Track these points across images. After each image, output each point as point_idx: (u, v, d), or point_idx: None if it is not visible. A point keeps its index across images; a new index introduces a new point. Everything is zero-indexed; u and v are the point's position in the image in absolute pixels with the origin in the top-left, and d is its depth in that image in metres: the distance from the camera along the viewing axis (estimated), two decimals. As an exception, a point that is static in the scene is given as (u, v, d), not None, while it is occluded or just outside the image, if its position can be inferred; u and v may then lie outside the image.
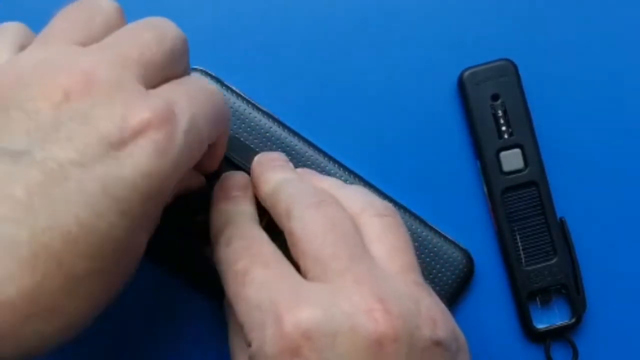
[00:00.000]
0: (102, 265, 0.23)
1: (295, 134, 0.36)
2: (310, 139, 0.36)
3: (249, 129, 0.35)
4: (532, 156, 0.36)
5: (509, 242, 0.36)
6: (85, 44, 0.25)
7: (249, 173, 0.32)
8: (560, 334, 0.36)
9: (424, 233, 0.35)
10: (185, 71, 0.28)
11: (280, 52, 0.37)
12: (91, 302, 0.23)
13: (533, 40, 0.37)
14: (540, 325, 0.36)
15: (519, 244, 0.36)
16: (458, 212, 0.37)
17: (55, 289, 0.22)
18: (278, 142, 0.35)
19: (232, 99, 0.35)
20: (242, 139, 0.35)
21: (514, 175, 0.36)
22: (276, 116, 0.36)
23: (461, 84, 0.36)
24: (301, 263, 0.27)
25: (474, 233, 0.37)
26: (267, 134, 0.35)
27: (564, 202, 0.36)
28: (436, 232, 0.35)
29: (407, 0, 0.37)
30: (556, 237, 0.36)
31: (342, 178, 0.35)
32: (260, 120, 0.35)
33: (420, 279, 0.27)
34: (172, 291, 0.36)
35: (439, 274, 0.35)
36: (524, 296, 0.36)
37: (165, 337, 0.36)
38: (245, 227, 0.29)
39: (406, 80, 0.37)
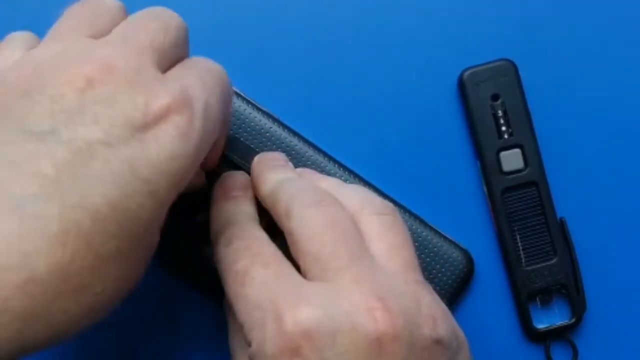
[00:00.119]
0: (129, 245, 0.23)
1: (295, 134, 0.36)
2: (310, 139, 0.36)
3: (249, 129, 0.35)
4: (532, 156, 0.36)
5: (509, 242, 0.36)
6: (94, 38, 0.26)
7: (249, 173, 0.32)
8: (560, 334, 0.36)
9: (424, 233, 0.35)
10: (187, 56, 0.28)
11: (281, 52, 0.37)
12: (116, 284, 0.23)
13: (533, 40, 0.37)
14: (540, 325, 0.36)
15: (519, 244, 0.36)
16: (458, 212, 0.37)
17: (84, 268, 0.22)
18: (278, 142, 0.35)
19: (232, 99, 0.35)
20: (242, 139, 0.35)
21: (514, 175, 0.36)
22: (276, 116, 0.36)
23: (461, 84, 0.36)
24: (301, 263, 0.27)
25: (474, 233, 0.37)
26: (267, 134, 0.35)
27: (564, 202, 0.36)
28: (436, 232, 0.35)
29: (407, 0, 0.37)
30: (556, 237, 0.36)
31: (342, 178, 0.35)
32: (260, 120, 0.35)
33: (420, 277, 0.27)
34: (172, 291, 0.36)
35: (439, 274, 0.35)
36: (524, 296, 0.36)
37: (165, 337, 0.36)
38: (246, 227, 0.29)
39: (406, 80, 0.37)
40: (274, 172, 0.31)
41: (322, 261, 0.26)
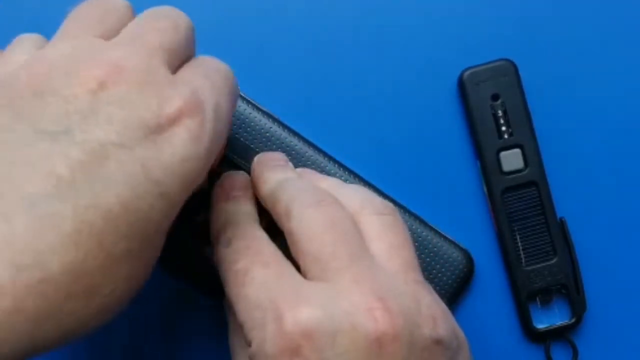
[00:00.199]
0: (139, 246, 0.23)
1: (295, 134, 0.36)
2: (310, 139, 0.36)
3: (249, 129, 0.35)
4: (532, 156, 0.36)
5: (509, 242, 0.36)
6: (103, 38, 0.26)
7: (249, 173, 0.32)
8: (560, 334, 0.36)
9: (424, 233, 0.35)
10: (194, 55, 0.28)
11: (281, 52, 0.37)
12: (126, 284, 0.23)
13: (533, 40, 0.37)
14: (540, 325, 0.36)
15: (519, 244, 0.36)
16: (458, 212, 0.37)
17: (96, 269, 0.22)
18: (278, 142, 0.35)
19: (233, 99, 0.35)
20: (242, 139, 0.35)
21: (514, 175, 0.36)
22: (276, 116, 0.36)
23: (461, 84, 0.36)
24: (301, 262, 0.27)
25: (474, 233, 0.37)
26: (267, 134, 0.35)
27: (564, 202, 0.36)
28: (436, 232, 0.35)
29: (407, 0, 0.37)
30: (556, 237, 0.36)
31: (342, 178, 0.35)
32: (260, 120, 0.35)
33: (420, 277, 0.27)
34: (172, 291, 0.36)
35: (439, 274, 0.35)
36: (524, 296, 0.36)
37: (165, 337, 0.36)
38: (246, 227, 0.29)
39: (406, 80, 0.37)
40: (274, 172, 0.31)
41: (322, 261, 0.26)
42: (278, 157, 0.33)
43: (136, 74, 0.24)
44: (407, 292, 0.26)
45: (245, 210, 0.30)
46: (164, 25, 0.26)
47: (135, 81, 0.24)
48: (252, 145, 0.35)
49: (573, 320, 0.36)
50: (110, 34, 0.26)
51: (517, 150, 0.36)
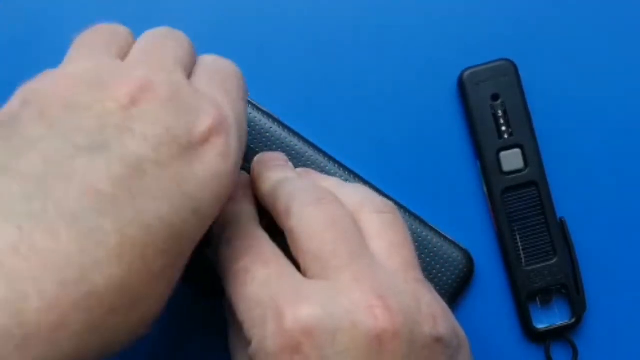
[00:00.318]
0: (174, 262, 0.23)
1: (295, 134, 0.36)
2: (310, 139, 0.36)
3: (249, 129, 0.35)
4: (532, 156, 0.36)
5: (509, 242, 0.36)
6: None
7: (249, 173, 0.32)
8: (560, 334, 0.36)
9: (424, 233, 0.35)
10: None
11: (281, 52, 0.37)
12: (160, 300, 0.24)
13: (533, 40, 0.37)
14: (540, 325, 0.36)
15: (519, 244, 0.36)
16: (458, 212, 0.37)
17: (137, 283, 0.22)
18: (278, 142, 0.35)
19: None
20: (242, 139, 0.35)
21: (514, 175, 0.36)
22: (276, 116, 0.36)
23: (461, 84, 0.36)
24: (301, 261, 0.27)
25: (474, 233, 0.37)
26: (267, 134, 0.35)
27: (564, 202, 0.36)
28: (436, 232, 0.35)
29: (407, 0, 0.37)
30: (556, 237, 0.36)
31: (342, 178, 0.35)
32: (260, 120, 0.35)
33: (420, 275, 0.27)
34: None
35: (439, 274, 0.35)
36: (524, 296, 0.36)
37: (165, 337, 0.36)
38: (246, 227, 0.29)
39: (406, 80, 0.37)
40: (273, 172, 0.31)
41: (322, 259, 0.26)
42: (278, 157, 0.33)
43: (164, 90, 0.24)
44: (407, 290, 0.26)
45: (245, 209, 0.30)
46: (170, 43, 0.27)
47: (164, 97, 0.24)
48: (252, 145, 0.35)
49: (573, 320, 0.36)
50: (119, 57, 0.26)
51: (517, 150, 0.36)
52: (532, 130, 0.36)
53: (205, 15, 0.37)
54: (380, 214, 0.28)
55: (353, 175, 0.35)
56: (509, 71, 0.36)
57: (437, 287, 0.35)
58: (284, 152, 0.35)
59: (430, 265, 0.35)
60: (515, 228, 0.36)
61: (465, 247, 0.36)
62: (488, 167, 0.36)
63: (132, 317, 0.22)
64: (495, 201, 0.36)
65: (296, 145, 0.35)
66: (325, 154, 0.36)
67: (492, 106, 0.36)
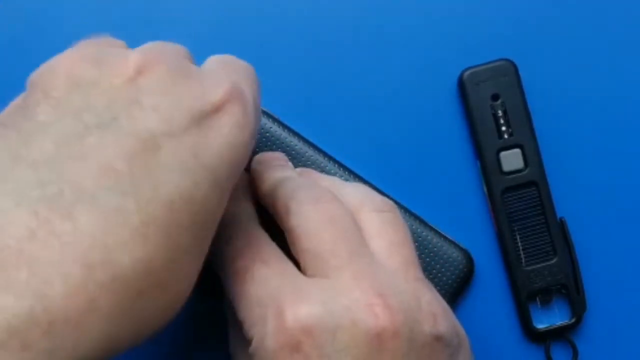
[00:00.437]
0: (200, 239, 0.23)
1: (295, 134, 0.36)
2: (310, 139, 0.36)
3: (249, 128, 0.35)
4: (532, 156, 0.36)
5: (509, 242, 0.36)
6: None
7: (249, 172, 0.32)
8: (560, 334, 0.36)
9: (424, 233, 0.35)
10: None
11: (281, 52, 0.37)
12: (188, 282, 0.23)
13: (533, 40, 0.37)
14: (540, 325, 0.36)
15: (519, 244, 0.36)
16: (458, 212, 0.37)
17: (164, 263, 0.21)
18: (278, 142, 0.35)
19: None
20: (242, 139, 0.35)
21: (514, 175, 0.36)
22: (276, 116, 0.36)
23: (461, 84, 0.36)
24: (301, 260, 0.27)
25: (474, 233, 0.37)
26: (267, 134, 0.35)
27: (564, 202, 0.36)
28: (436, 232, 0.35)
29: (407, 0, 0.37)
30: (556, 237, 0.36)
31: (342, 178, 0.35)
32: (260, 121, 0.35)
33: (420, 274, 0.27)
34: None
35: (439, 274, 0.35)
36: (524, 296, 0.36)
37: (165, 337, 0.36)
38: (246, 226, 0.29)
39: (406, 80, 0.37)
40: (273, 171, 0.31)
41: (322, 258, 0.26)
42: (278, 156, 0.33)
43: (172, 63, 0.24)
44: (407, 289, 0.26)
45: (245, 209, 0.30)
46: (168, 47, 0.26)
47: (173, 69, 0.24)
48: (252, 145, 0.35)
49: (573, 320, 0.36)
50: None
51: (517, 150, 0.36)
52: (532, 130, 0.36)
53: (205, 15, 0.37)
54: (380, 212, 0.28)
55: (353, 175, 0.35)
56: (509, 71, 0.36)
57: (437, 287, 0.35)
58: (284, 152, 0.35)
59: (430, 265, 0.35)
60: (515, 228, 0.36)
61: (465, 247, 0.36)
62: (488, 167, 0.36)
63: (161, 299, 0.22)
64: (495, 201, 0.36)
65: (296, 145, 0.35)
66: (325, 154, 0.36)
67: (492, 106, 0.36)
